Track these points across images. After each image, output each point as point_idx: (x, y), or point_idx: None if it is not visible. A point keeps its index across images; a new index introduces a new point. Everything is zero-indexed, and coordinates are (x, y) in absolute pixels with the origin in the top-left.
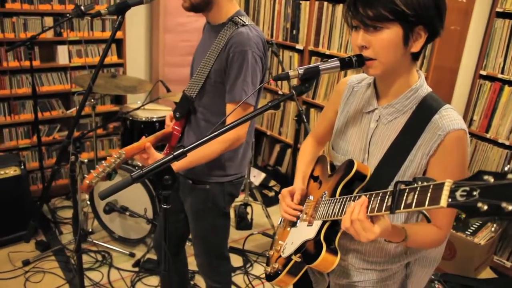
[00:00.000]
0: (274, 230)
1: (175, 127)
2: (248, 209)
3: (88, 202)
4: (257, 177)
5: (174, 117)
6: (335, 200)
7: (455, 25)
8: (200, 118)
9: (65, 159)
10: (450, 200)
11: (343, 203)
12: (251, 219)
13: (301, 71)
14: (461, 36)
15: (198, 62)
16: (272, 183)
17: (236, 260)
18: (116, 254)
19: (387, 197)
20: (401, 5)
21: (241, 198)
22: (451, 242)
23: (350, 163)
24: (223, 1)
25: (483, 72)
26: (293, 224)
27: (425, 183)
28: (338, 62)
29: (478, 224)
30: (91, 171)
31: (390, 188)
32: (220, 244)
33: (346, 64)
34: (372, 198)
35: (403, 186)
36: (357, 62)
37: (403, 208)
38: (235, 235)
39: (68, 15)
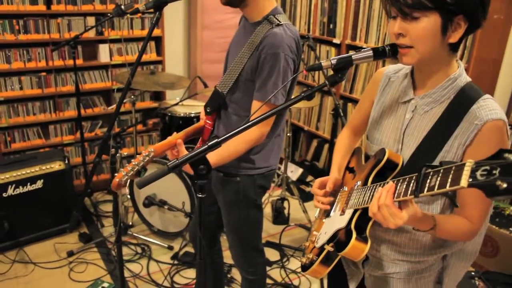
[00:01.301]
0: (311, 225)
1: (207, 121)
2: (285, 204)
3: (128, 196)
4: (294, 172)
5: (205, 111)
6: (366, 188)
7: (498, 14)
8: (231, 113)
9: (106, 152)
10: (470, 180)
11: (373, 190)
12: (288, 213)
13: (333, 61)
14: (506, 25)
15: (231, 58)
16: (309, 178)
17: (273, 254)
18: (155, 247)
19: (412, 181)
20: None
21: (278, 192)
22: (493, 239)
23: (381, 152)
24: None
25: None
26: (327, 215)
27: (448, 166)
28: (371, 51)
29: None
30: (121, 169)
31: None
32: (253, 236)
33: (379, 54)
34: (399, 184)
35: (428, 170)
36: (391, 52)
37: (427, 191)
38: (271, 230)
39: (109, 14)
